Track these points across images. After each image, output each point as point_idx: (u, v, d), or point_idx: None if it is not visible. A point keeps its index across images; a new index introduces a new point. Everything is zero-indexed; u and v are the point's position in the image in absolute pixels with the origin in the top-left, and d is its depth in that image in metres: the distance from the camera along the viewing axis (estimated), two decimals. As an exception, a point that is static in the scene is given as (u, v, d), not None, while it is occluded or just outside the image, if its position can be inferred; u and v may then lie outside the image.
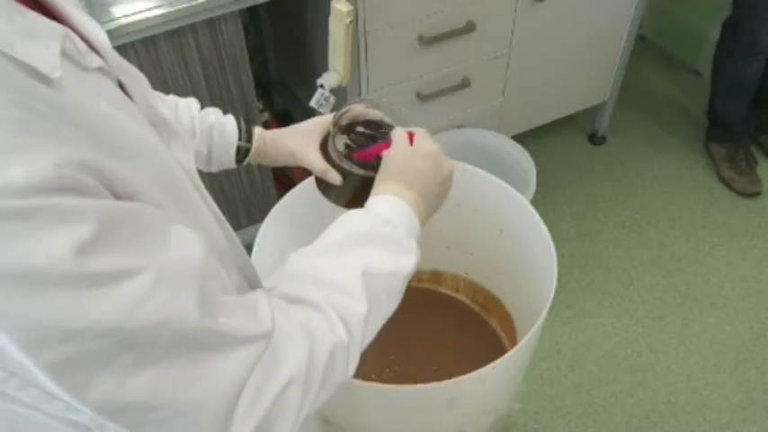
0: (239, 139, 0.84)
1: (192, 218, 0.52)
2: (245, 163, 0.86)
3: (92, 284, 0.38)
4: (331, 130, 0.81)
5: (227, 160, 0.85)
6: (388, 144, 0.74)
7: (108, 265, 0.39)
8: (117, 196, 0.42)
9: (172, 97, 0.83)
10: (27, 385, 0.42)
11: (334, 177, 0.80)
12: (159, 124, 0.58)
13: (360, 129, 0.83)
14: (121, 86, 0.54)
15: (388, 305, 0.62)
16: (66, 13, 0.50)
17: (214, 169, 0.87)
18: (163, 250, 0.43)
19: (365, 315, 0.57)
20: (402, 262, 0.62)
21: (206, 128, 0.82)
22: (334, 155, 0.80)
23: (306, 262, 0.60)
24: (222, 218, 0.63)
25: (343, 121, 0.83)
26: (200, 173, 0.62)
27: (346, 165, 0.79)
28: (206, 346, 0.45)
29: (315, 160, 0.81)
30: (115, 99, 0.50)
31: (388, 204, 0.65)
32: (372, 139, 0.82)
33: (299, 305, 0.56)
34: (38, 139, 0.37)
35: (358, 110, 0.83)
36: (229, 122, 0.84)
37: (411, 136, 0.73)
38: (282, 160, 0.86)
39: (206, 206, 0.60)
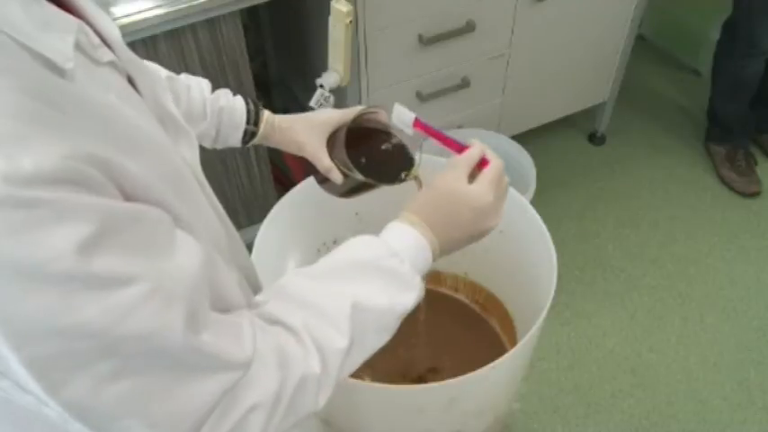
0: (247, 122, 0.86)
1: (194, 213, 0.52)
2: (249, 144, 0.88)
3: (86, 286, 0.38)
4: (350, 123, 0.83)
5: (233, 141, 0.87)
6: (461, 149, 0.66)
7: (105, 269, 0.39)
8: (124, 191, 0.42)
9: (184, 77, 0.83)
10: (1, 377, 0.41)
11: (337, 177, 0.83)
12: (166, 120, 0.59)
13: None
14: (131, 81, 0.55)
15: (376, 340, 0.60)
16: (81, 7, 0.50)
17: (219, 146, 0.88)
18: (161, 259, 0.43)
19: (345, 349, 0.56)
20: (400, 299, 0.59)
21: (216, 110, 0.84)
22: (338, 159, 0.82)
23: (300, 283, 0.59)
24: (224, 215, 0.64)
25: (368, 123, 0.85)
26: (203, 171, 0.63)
27: (348, 169, 0.82)
28: (185, 365, 0.45)
29: (323, 158, 0.84)
30: (124, 93, 0.51)
31: (406, 242, 0.62)
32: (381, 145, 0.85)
33: (277, 327, 0.55)
34: (47, 129, 0.37)
35: (383, 117, 0.85)
36: (239, 105, 0.86)
37: (483, 164, 0.65)
38: (287, 148, 0.88)
39: (208, 203, 0.60)
